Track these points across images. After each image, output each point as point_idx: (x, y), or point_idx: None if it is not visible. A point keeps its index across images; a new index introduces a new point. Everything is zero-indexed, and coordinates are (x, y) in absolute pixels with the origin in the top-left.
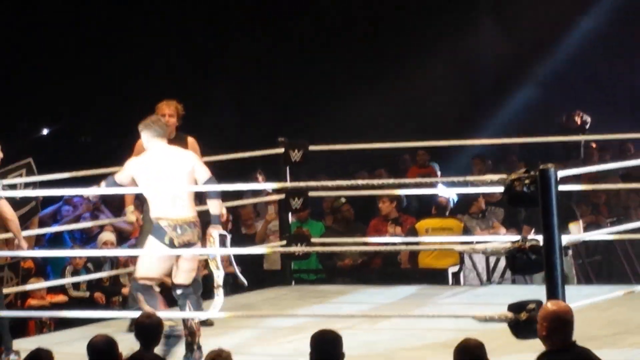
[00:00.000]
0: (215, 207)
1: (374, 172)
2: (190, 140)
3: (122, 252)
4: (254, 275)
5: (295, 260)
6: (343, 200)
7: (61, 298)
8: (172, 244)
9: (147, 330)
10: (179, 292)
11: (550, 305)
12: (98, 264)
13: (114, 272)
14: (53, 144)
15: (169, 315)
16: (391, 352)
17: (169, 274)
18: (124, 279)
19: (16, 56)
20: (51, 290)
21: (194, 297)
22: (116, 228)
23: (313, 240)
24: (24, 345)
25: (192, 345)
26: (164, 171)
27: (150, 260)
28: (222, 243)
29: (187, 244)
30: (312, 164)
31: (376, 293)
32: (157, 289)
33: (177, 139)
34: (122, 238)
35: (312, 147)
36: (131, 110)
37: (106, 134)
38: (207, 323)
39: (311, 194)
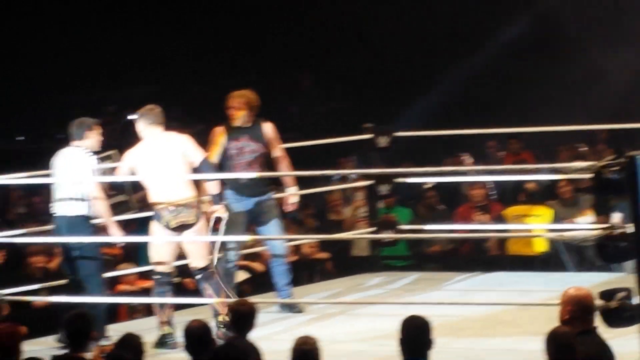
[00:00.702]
0: (213, 187)
1: (459, 158)
2: (266, 125)
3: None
4: (342, 262)
5: (384, 247)
6: (430, 185)
7: (151, 283)
8: (167, 226)
9: (241, 317)
10: (196, 276)
11: (572, 291)
12: None
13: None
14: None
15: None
16: (479, 339)
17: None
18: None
19: None
20: (142, 275)
21: (213, 280)
22: None
23: (401, 226)
24: (115, 330)
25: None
26: (159, 157)
27: (155, 245)
28: (217, 225)
29: (184, 225)
30: (398, 149)
31: (465, 279)
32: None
33: (253, 126)
34: None
35: (398, 133)
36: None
37: (193, 119)
38: (296, 310)
39: (398, 180)
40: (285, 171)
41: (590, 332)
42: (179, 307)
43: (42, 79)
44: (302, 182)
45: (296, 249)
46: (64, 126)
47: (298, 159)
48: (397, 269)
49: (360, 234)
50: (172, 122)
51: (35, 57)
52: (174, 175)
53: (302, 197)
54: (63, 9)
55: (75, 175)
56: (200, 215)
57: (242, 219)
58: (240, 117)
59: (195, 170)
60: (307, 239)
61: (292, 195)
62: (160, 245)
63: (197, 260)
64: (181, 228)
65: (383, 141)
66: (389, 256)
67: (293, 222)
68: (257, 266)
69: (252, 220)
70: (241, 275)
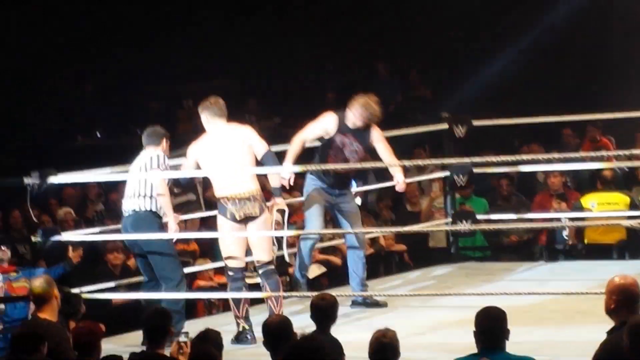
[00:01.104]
0: (275, 180)
1: (530, 146)
2: (375, 130)
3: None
4: (419, 254)
5: (461, 238)
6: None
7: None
8: (234, 218)
9: (322, 311)
10: (259, 270)
11: (617, 279)
12: None
13: (280, 253)
14: None
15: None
16: (558, 329)
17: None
18: (290, 259)
19: None
20: (219, 271)
21: (274, 277)
22: None
23: (478, 217)
24: (193, 326)
25: None
26: (223, 150)
27: (224, 240)
28: (280, 218)
29: (249, 218)
30: (475, 138)
31: (542, 269)
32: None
33: (364, 129)
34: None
35: (475, 122)
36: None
37: (270, 112)
38: (374, 303)
39: (475, 170)
40: (388, 159)
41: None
42: (253, 302)
43: (120, 75)
44: (378, 174)
45: (372, 241)
46: (142, 122)
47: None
48: (474, 259)
49: (437, 226)
50: (250, 114)
51: (113, 53)
52: (238, 169)
53: (379, 189)
54: (140, 2)
55: (143, 172)
56: (263, 207)
57: (320, 210)
58: (365, 118)
59: (259, 162)
60: (384, 232)
61: (398, 175)
62: (229, 239)
63: (260, 253)
64: (246, 220)
65: (460, 131)
66: (466, 247)
67: (369, 214)
68: (335, 259)
69: (332, 212)
70: (318, 269)
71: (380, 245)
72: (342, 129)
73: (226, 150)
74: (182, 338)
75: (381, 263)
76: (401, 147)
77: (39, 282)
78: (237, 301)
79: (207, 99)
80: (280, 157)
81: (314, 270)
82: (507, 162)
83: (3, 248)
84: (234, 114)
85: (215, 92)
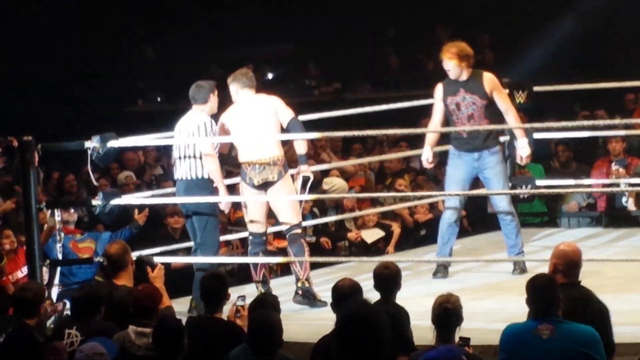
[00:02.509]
0: (300, 146)
1: (594, 111)
2: (485, 76)
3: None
4: (479, 219)
5: (520, 203)
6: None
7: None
8: (252, 184)
9: (386, 280)
10: (286, 235)
11: (562, 246)
12: (324, 208)
13: (339, 217)
14: (278, 87)
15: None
16: (617, 296)
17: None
18: (349, 224)
19: None
20: (277, 235)
21: (297, 242)
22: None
23: (538, 182)
24: (251, 290)
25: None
26: (250, 117)
27: (245, 205)
28: (304, 185)
29: (267, 183)
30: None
31: (601, 235)
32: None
33: (469, 79)
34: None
35: (536, 88)
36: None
37: (330, 77)
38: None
39: (536, 135)
40: (512, 123)
41: (573, 285)
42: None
43: (182, 40)
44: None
45: (431, 206)
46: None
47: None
48: (532, 225)
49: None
50: (310, 79)
51: (175, 18)
52: (263, 134)
53: (440, 154)
54: None
55: (192, 136)
56: (283, 173)
57: (460, 176)
58: (451, 68)
59: (285, 129)
60: (441, 196)
61: (521, 148)
62: (250, 204)
63: (284, 218)
64: (265, 186)
65: (520, 96)
66: (525, 213)
67: (429, 179)
68: (395, 226)
69: (475, 176)
70: (376, 234)
71: (439, 211)
72: (450, 90)
73: (253, 117)
74: (239, 302)
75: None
76: None
77: (114, 248)
78: (255, 265)
79: (238, 70)
80: (338, 122)
81: (373, 235)
82: (567, 128)
83: (71, 211)
84: (294, 80)
85: (276, 57)
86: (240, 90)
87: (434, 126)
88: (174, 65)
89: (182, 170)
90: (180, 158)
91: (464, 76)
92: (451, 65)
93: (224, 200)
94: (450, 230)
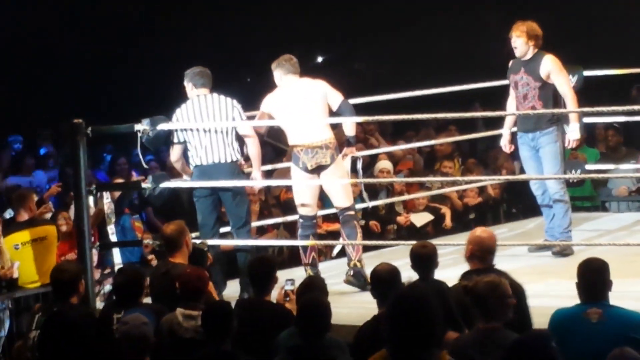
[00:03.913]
0: (350, 129)
1: None
2: (545, 58)
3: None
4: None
5: (570, 187)
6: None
7: (337, 226)
8: (305, 168)
9: (424, 259)
10: (340, 217)
11: (478, 232)
12: (374, 192)
13: (389, 200)
14: (327, 71)
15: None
16: None
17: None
18: (399, 208)
19: None
20: (327, 218)
21: (350, 223)
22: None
23: (587, 167)
24: (300, 273)
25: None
26: (298, 101)
27: (297, 189)
28: (354, 166)
29: (321, 167)
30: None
31: None
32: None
33: (532, 59)
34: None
35: (586, 72)
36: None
37: (380, 61)
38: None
39: (585, 119)
40: (568, 107)
41: (489, 269)
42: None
43: (229, 26)
44: (488, 124)
45: (481, 190)
46: (248, 71)
47: (487, 98)
48: (582, 209)
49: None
50: (359, 63)
51: (223, 4)
52: (312, 118)
53: (488, 138)
54: None
55: (225, 120)
56: (335, 156)
57: (524, 154)
58: (518, 45)
59: (335, 112)
60: (494, 180)
61: (571, 132)
62: (301, 188)
63: (337, 200)
64: (318, 169)
65: (571, 80)
66: (575, 197)
67: (479, 163)
68: (445, 208)
69: (533, 156)
70: (425, 217)
71: (489, 195)
72: (513, 68)
73: (301, 101)
74: (288, 286)
75: (489, 212)
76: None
77: (171, 228)
78: (304, 248)
79: (281, 57)
80: (388, 106)
81: (422, 218)
82: (618, 112)
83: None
84: (342, 62)
85: (323, 40)
86: (284, 76)
87: (508, 107)
88: (221, 50)
89: (218, 153)
90: (214, 141)
91: (529, 55)
92: (519, 42)
93: (272, 184)
94: (546, 212)
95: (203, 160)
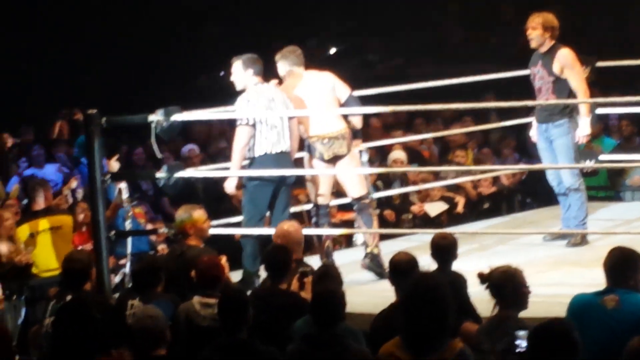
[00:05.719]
0: (359, 122)
1: None
2: (561, 52)
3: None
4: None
5: (585, 177)
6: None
7: (351, 216)
8: (322, 158)
9: (443, 250)
10: (354, 206)
11: (285, 226)
12: (388, 181)
13: (403, 190)
14: (340, 62)
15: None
16: None
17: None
18: (413, 197)
19: None
20: (341, 208)
21: (366, 212)
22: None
23: (601, 157)
24: (314, 262)
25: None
26: (310, 92)
27: (313, 178)
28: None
29: (337, 156)
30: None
31: None
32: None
33: (548, 51)
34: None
35: (599, 64)
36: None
37: (392, 52)
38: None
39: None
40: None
41: (297, 261)
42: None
43: (246, 17)
44: (502, 114)
45: (495, 180)
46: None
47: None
48: (597, 199)
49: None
50: (372, 54)
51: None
52: (328, 108)
53: (503, 129)
54: None
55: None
56: (350, 146)
57: (540, 145)
58: (534, 37)
59: (343, 104)
60: (508, 170)
61: (580, 127)
62: (317, 178)
63: (352, 189)
64: (335, 159)
65: (584, 71)
66: (590, 186)
67: (493, 153)
68: (460, 198)
69: (548, 147)
70: (439, 207)
71: (503, 184)
72: (533, 61)
73: (313, 92)
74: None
75: (503, 201)
76: (520, 89)
77: (179, 213)
78: (319, 237)
79: (285, 48)
80: (401, 97)
81: (437, 208)
82: (631, 103)
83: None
84: (354, 54)
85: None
86: (289, 68)
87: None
88: (237, 41)
89: (285, 143)
90: (283, 129)
91: (545, 48)
92: (535, 35)
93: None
94: (562, 201)
95: (275, 147)
